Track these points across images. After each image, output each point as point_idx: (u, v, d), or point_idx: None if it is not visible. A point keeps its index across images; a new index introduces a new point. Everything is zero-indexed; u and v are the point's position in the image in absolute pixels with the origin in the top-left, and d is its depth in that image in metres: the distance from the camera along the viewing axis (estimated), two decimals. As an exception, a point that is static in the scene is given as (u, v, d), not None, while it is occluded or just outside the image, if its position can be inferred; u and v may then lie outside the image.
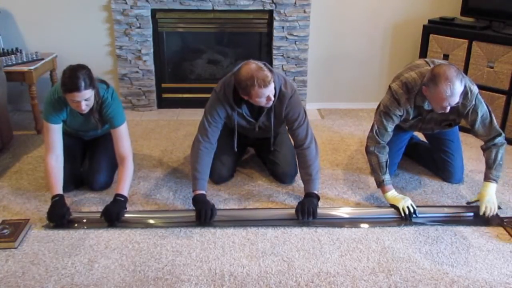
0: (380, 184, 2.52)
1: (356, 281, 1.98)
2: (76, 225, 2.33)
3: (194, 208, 2.38)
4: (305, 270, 2.04)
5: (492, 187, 2.42)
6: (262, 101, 2.33)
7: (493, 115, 2.44)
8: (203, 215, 2.32)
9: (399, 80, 2.47)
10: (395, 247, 2.21)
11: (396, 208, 2.42)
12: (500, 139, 2.44)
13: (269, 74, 2.24)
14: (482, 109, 2.40)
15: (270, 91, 2.29)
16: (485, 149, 2.48)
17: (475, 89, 2.36)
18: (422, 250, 2.18)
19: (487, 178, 2.44)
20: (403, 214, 2.39)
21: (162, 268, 2.05)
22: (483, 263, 2.10)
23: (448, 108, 2.27)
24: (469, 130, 2.53)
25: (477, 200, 2.45)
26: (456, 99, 2.22)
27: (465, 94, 2.32)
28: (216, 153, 2.55)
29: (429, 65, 2.46)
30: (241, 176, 2.87)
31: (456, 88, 2.18)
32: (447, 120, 2.53)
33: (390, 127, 2.50)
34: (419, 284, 1.96)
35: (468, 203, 2.52)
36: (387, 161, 2.52)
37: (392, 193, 2.48)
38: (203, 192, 2.41)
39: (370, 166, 2.58)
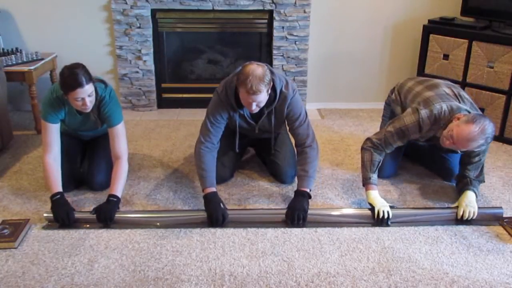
0: (366, 181, 2.49)
1: (356, 281, 1.98)
2: (84, 224, 2.34)
3: (204, 209, 2.37)
4: (305, 270, 2.04)
5: (472, 195, 2.43)
6: (248, 106, 2.33)
7: (484, 162, 2.53)
8: (214, 221, 2.32)
9: (429, 108, 2.41)
10: (395, 247, 2.21)
11: (373, 209, 2.40)
12: (480, 182, 2.54)
13: (263, 85, 2.22)
14: (483, 157, 2.48)
15: (256, 99, 2.27)
16: (464, 178, 2.53)
17: (490, 141, 2.32)
18: (422, 250, 2.18)
19: (467, 188, 2.47)
20: (376, 216, 2.37)
21: (162, 268, 2.05)
22: (483, 263, 2.10)
23: (450, 145, 2.29)
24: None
25: (457, 206, 2.44)
26: (464, 147, 2.25)
27: (481, 144, 2.30)
28: (217, 154, 2.55)
29: (458, 99, 2.47)
30: (241, 176, 2.87)
31: (474, 141, 2.20)
32: (455, 151, 2.57)
33: (399, 144, 2.52)
34: (419, 284, 1.96)
35: (448, 208, 2.51)
36: (379, 162, 2.51)
37: (375, 194, 2.44)
38: (214, 189, 2.41)
39: (361, 163, 2.55)
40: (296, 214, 2.34)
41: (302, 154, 2.51)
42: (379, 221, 2.36)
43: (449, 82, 2.70)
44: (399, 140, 2.50)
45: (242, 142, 2.73)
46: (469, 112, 2.36)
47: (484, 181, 2.55)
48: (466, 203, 2.39)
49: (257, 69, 2.24)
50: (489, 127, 2.20)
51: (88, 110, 2.37)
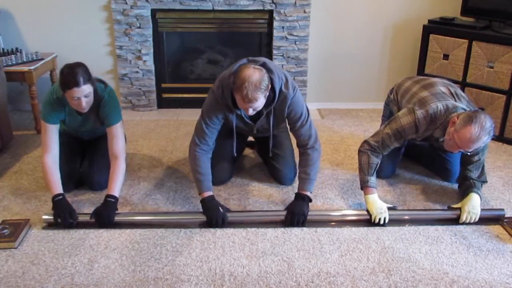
0: (364, 184, 2.46)
1: (356, 281, 1.98)
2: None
3: (203, 212, 2.36)
4: (305, 270, 2.04)
5: (477, 198, 2.41)
6: (244, 110, 2.26)
7: (485, 162, 2.52)
8: (214, 225, 2.32)
9: (425, 108, 2.41)
10: (395, 247, 2.21)
11: (370, 215, 2.39)
12: (483, 183, 2.51)
13: (259, 92, 2.13)
14: (483, 156, 2.46)
15: (253, 106, 2.19)
16: (466, 180, 2.51)
17: (493, 133, 2.32)
18: (422, 250, 2.18)
19: (471, 190, 2.44)
20: (373, 221, 2.36)
21: (162, 268, 2.05)
22: (483, 263, 2.10)
23: (458, 150, 2.28)
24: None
25: (460, 207, 2.42)
26: (470, 148, 2.23)
27: (486, 140, 2.28)
28: (214, 157, 2.50)
29: (454, 97, 2.47)
30: (241, 177, 2.87)
31: (479, 141, 2.18)
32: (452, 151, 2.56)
33: (396, 145, 2.51)
34: (419, 284, 1.96)
35: (449, 207, 2.49)
36: (377, 164, 2.49)
37: (373, 197, 2.41)
38: (211, 193, 2.39)
39: (358, 166, 2.53)
40: (296, 219, 2.33)
41: (304, 155, 2.46)
42: (374, 224, 2.36)
43: (446, 81, 2.69)
44: (396, 142, 2.49)
45: (241, 141, 2.69)
46: (465, 110, 2.35)
47: (486, 182, 2.53)
48: (469, 209, 2.37)
49: (253, 74, 2.13)
50: (487, 121, 2.18)
51: (84, 111, 2.36)
